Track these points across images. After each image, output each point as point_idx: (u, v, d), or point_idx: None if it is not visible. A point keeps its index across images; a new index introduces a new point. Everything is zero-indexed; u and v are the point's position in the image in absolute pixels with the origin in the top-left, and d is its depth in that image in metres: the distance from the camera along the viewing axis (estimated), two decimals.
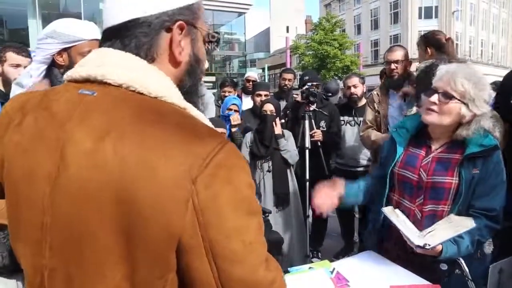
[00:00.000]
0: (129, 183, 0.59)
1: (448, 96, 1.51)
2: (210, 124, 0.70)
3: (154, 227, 0.59)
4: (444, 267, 1.50)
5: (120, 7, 0.72)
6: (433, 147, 1.64)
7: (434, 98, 1.54)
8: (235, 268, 0.61)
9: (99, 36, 1.66)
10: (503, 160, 1.59)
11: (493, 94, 2.05)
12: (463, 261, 1.48)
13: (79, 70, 0.71)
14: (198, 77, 0.80)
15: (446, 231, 1.47)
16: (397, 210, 1.63)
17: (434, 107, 1.54)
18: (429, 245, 1.40)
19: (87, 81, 0.70)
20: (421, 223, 1.59)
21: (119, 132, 0.61)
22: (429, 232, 1.50)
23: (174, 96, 0.70)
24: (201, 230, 0.59)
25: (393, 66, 2.97)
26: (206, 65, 0.83)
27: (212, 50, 0.85)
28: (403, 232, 1.48)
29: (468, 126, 1.53)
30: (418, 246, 1.41)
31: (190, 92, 0.78)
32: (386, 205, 1.70)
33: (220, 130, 2.87)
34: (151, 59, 0.72)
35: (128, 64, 0.69)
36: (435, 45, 2.82)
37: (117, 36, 0.72)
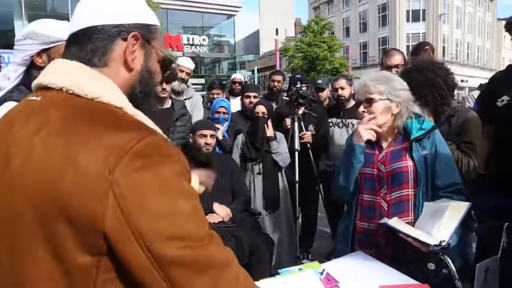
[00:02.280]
0: (52, 174, 0.65)
1: (370, 100, 1.78)
2: (147, 121, 0.76)
3: (76, 215, 0.63)
4: (431, 266, 1.52)
5: (84, 15, 0.82)
6: (384, 145, 1.85)
7: (361, 108, 1.82)
8: (168, 248, 0.64)
9: None
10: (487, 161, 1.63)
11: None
12: (449, 260, 1.50)
13: (37, 79, 0.80)
14: (150, 88, 0.88)
15: (450, 221, 1.51)
16: (398, 219, 1.66)
17: (365, 114, 1.79)
18: (444, 241, 1.45)
19: (39, 88, 0.79)
20: (389, 213, 1.72)
21: (48, 130, 0.69)
22: (435, 229, 1.52)
23: (111, 97, 0.76)
24: (125, 217, 0.62)
25: (393, 71, 2.98)
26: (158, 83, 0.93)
27: (166, 72, 0.95)
28: (415, 236, 1.51)
29: (400, 114, 1.78)
30: (434, 245, 1.45)
31: (140, 99, 0.85)
32: (355, 207, 1.85)
33: (209, 132, 2.87)
34: (104, 64, 0.80)
35: (69, 70, 0.77)
36: (414, 53, 2.93)
37: (77, 40, 0.81)
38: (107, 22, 0.80)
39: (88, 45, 0.80)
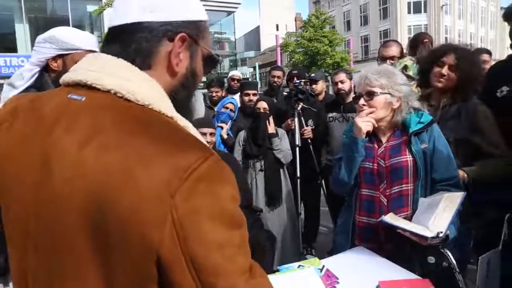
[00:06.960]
0: (108, 192, 0.59)
1: (371, 94, 1.76)
2: (198, 135, 0.70)
3: (131, 237, 0.59)
4: (431, 260, 1.51)
5: (125, 8, 0.73)
6: (383, 140, 1.83)
7: (362, 101, 1.78)
8: (218, 281, 0.61)
9: (97, 49, 1.68)
10: None
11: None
12: (449, 253, 1.49)
13: (71, 75, 0.72)
14: (191, 91, 0.81)
15: (446, 213, 1.51)
16: (394, 215, 1.67)
17: (365, 108, 1.77)
18: (441, 232, 1.44)
19: (77, 85, 0.70)
20: (388, 208, 1.72)
21: (101, 141, 0.62)
22: (430, 221, 1.52)
23: (162, 104, 0.69)
24: (181, 244, 0.58)
25: (388, 62, 2.97)
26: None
27: (209, 71, 0.88)
28: (412, 230, 1.50)
29: (400, 110, 1.76)
30: (432, 238, 1.44)
31: (182, 103, 0.78)
32: (354, 201, 1.84)
33: (209, 130, 2.85)
34: (147, 66, 0.72)
35: (118, 70, 0.70)
36: (412, 45, 2.91)
37: (118, 38, 0.73)
38: (154, 18, 0.72)
39: (131, 44, 0.72)
